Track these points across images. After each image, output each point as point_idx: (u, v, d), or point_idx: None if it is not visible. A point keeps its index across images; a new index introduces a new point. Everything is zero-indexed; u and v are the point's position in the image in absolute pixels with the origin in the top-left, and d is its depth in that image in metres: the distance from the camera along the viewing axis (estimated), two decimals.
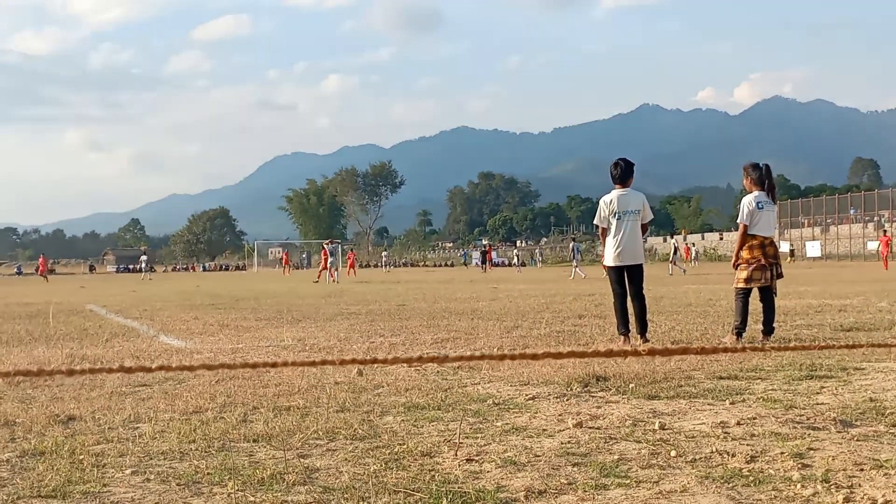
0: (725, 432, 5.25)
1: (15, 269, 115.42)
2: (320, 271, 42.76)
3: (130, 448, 5.10)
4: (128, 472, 4.60)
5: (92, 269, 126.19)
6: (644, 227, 10.40)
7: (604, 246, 10.60)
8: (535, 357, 1.72)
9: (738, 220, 10.22)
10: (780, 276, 10.10)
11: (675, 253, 43.65)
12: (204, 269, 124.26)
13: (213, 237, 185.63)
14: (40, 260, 65.12)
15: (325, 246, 42.92)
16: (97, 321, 15.65)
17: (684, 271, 41.81)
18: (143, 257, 74.17)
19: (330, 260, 41.60)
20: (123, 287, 39.92)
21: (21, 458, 4.94)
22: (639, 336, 9.98)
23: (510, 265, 78.81)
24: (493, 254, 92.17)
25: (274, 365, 1.70)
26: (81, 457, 4.90)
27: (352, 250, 76.09)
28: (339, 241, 47.04)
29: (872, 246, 64.66)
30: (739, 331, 9.90)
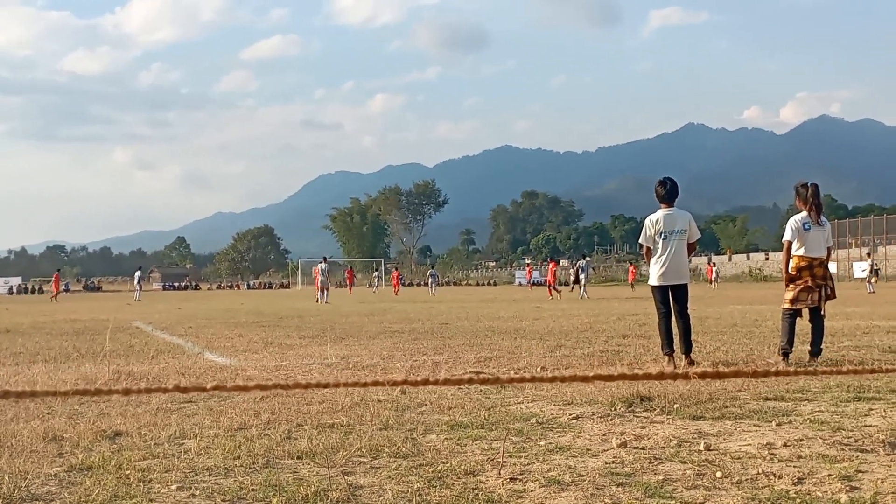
0: (772, 454, 5.20)
1: (63, 287, 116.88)
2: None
3: (176, 464, 5.14)
4: (173, 487, 4.64)
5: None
6: (692, 247, 10.33)
7: (649, 265, 10.54)
8: (585, 379, 1.72)
9: (783, 239, 10.17)
10: (830, 297, 9.99)
11: (872, 273, 43.48)
12: (248, 287, 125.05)
13: (257, 255, 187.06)
14: (55, 277, 54.63)
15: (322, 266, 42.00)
16: (143, 338, 15.81)
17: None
18: (138, 273, 55.71)
19: (320, 279, 40.63)
20: (169, 304, 40.28)
21: (69, 473, 5.00)
22: (683, 355, 9.90)
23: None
24: (536, 273, 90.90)
25: (327, 385, 1.71)
26: (128, 472, 4.95)
27: (396, 269, 75.76)
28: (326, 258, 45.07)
29: None
30: (786, 352, 9.80)
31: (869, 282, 43.15)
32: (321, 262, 42.48)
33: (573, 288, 48.18)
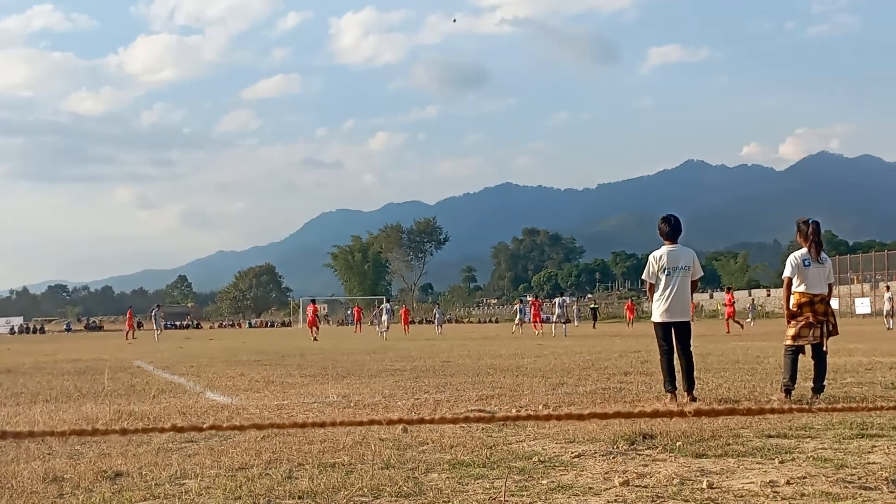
0: (775, 492, 5.17)
1: (65, 326, 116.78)
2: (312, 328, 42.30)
3: None
4: None
5: (140, 325, 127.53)
6: (694, 284, 10.33)
7: (651, 302, 10.54)
8: (581, 417, 1.72)
9: (783, 276, 10.18)
10: (833, 333, 9.97)
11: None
12: (250, 326, 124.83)
13: (259, 294, 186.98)
14: (128, 313, 56.00)
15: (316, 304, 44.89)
16: (144, 377, 15.78)
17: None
18: (154, 310, 57.70)
19: (385, 317, 43.10)
20: (170, 343, 40.22)
21: None
22: (686, 393, 9.88)
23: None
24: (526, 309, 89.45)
25: (322, 425, 1.72)
26: None
27: (406, 307, 75.68)
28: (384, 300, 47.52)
29: None
30: (788, 388, 9.78)
31: (890, 317, 42.19)
32: (385, 303, 44.09)
33: (594, 325, 47.84)
